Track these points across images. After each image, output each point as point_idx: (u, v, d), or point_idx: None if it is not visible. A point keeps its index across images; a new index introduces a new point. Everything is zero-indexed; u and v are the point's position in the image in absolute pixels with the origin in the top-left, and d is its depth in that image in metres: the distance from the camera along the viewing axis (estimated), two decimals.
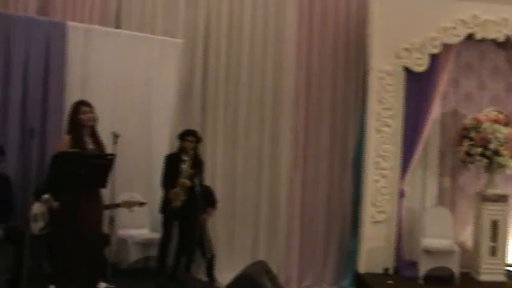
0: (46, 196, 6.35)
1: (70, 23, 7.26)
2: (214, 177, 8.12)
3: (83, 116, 5.50)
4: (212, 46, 8.33)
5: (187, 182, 6.61)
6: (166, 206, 6.79)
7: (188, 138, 6.88)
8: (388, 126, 7.98)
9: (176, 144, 7.20)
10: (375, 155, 7.98)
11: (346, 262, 8.29)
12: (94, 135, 5.59)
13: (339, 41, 8.60)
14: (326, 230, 8.58)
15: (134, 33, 7.75)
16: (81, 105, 5.56)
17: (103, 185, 5.07)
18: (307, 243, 8.53)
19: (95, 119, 5.58)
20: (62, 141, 5.49)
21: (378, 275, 7.79)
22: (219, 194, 7.96)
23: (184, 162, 6.77)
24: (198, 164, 6.87)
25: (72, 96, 6.82)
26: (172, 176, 6.79)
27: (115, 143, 5.12)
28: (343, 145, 8.63)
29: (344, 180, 8.60)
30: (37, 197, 6.37)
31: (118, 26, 7.91)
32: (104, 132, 5.74)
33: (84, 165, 4.84)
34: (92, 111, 5.55)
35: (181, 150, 6.90)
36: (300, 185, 8.52)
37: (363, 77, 8.44)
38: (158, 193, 6.93)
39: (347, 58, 8.61)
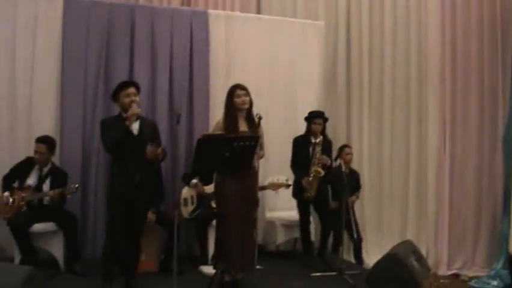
0: (194, 181, 6.57)
1: (212, 11, 7.44)
2: (361, 159, 8.09)
3: (237, 100, 5.53)
4: (354, 27, 8.27)
5: (321, 171, 6.49)
6: (297, 192, 6.71)
7: (316, 120, 6.69)
8: None
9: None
10: None
11: (498, 244, 7.89)
12: (249, 118, 5.61)
13: (484, 18, 8.28)
14: (476, 211, 8.35)
15: (275, 18, 7.80)
16: (236, 89, 5.59)
17: (248, 167, 5.08)
18: (456, 225, 8.36)
19: (250, 102, 5.60)
20: (217, 124, 5.59)
21: None
22: (366, 176, 7.97)
23: (313, 146, 6.64)
24: (327, 145, 6.71)
25: (216, 83, 7.06)
26: (301, 159, 6.70)
27: (258, 125, 5.11)
28: (492, 123, 8.34)
29: (494, 159, 8.30)
30: (186, 181, 6.58)
31: (258, 12, 8.00)
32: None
33: (229, 148, 4.87)
34: (247, 95, 5.58)
35: (309, 132, 6.75)
36: (448, 165, 8.33)
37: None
38: None
39: (492, 35, 8.28)
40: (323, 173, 6.46)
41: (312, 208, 6.84)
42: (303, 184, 6.54)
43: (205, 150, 4.87)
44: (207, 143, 4.92)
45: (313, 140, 6.65)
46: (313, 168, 6.49)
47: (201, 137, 5.02)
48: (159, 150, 5.18)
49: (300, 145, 6.75)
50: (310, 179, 6.51)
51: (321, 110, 7.10)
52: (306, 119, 6.79)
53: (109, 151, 5.31)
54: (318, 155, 6.51)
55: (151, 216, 6.11)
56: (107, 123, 5.33)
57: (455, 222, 8.33)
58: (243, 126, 5.52)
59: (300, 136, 6.85)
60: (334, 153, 6.84)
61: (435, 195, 8.31)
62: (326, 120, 6.77)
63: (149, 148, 5.15)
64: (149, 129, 5.41)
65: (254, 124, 5.55)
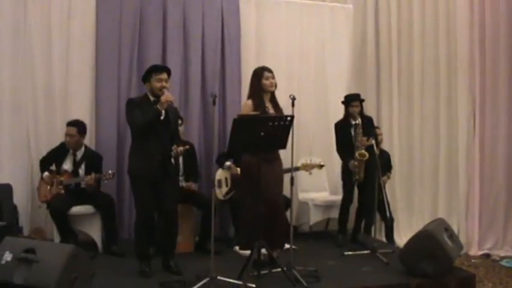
0: (228, 163, 6.68)
1: None
2: (392, 140, 8.12)
3: (266, 81, 5.63)
4: (382, 9, 8.25)
5: (365, 153, 6.55)
6: (347, 175, 6.79)
7: (354, 103, 6.76)
8: None
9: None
10: None
11: None
12: (274, 100, 5.73)
13: None
14: (506, 191, 8.33)
15: (305, 2, 7.85)
16: (264, 71, 5.68)
17: (283, 146, 5.17)
18: (487, 205, 8.35)
19: (276, 85, 5.69)
20: (245, 106, 5.67)
21: None
22: (396, 157, 8.01)
23: (354, 128, 6.70)
24: (369, 122, 6.78)
25: (247, 67, 7.08)
26: (346, 142, 6.77)
27: (292, 105, 5.18)
28: None
29: None
30: (220, 163, 6.69)
31: None
32: (280, 98, 5.85)
33: (264, 127, 4.95)
34: (274, 77, 5.68)
35: (348, 115, 6.83)
36: (478, 145, 8.33)
37: None
38: (336, 156, 7.01)
39: None
40: (367, 155, 6.53)
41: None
42: (351, 168, 6.64)
43: (240, 131, 4.96)
44: (242, 123, 5.00)
45: (353, 122, 6.73)
46: (357, 152, 6.56)
47: (237, 117, 5.10)
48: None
49: (342, 129, 6.85)
50: (356, 162, 6.59)
51: (351, 92, 7.19)
52: (344, 102, 6.87)
53: (136, 131, 5.39)
54: (359, 138, 6.59)
55: (192, 186, 6.36)
56: (134, 103, 5.40)
57: (485, 203, 8.33)
58: (269, 108, 5.63)
59: (340, 120, 6.94)
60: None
61: (465, 176, 8.32)
62: (362, 101, 6.85)
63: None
64: (174, 114, 5.51)
65: (279, 106, 5.71)
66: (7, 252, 4.38)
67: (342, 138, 6.84)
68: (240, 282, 4.86)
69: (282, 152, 5.67)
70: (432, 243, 5.29)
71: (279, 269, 5.14)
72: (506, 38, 8.29)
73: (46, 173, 6.24)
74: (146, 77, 5.42)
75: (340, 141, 6.88)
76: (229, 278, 4.93)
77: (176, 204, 5.59)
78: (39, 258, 4.28)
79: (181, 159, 6.38)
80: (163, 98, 5.20)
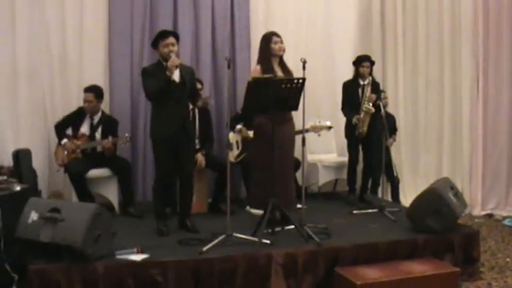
0: (239, 126, 6.84)
1: None
2: (397, 104, 8.24)
3: (275, 46, 5.76)
4: None
5: (372, 108, 6.70)
6: (350, 132, 6.95)
7: (364, 64, 6.89)
8: None
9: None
10: None
11: None
12: (282, 64, 5.87)
13: None
14: (509, 153, 8.48)
15: None
16: (273, 36, 5.81)
17: (296, 107, 5.32)
18: (490, 167, 8.48)
19: (284, 49, 5.83)
20: (254, 72, 5.78)
21: None
22: (402, 120, 8.15)
23: (362, 88, 6.84)
24: (376, 87, 6.89)
25: (256, 33, 7.15)
26: (352, 102, 6.90)
27: (303, 68, 5.31)
28: None
29: None
30: (231, 126, 6.84)
31: None
32: (289, 62, 6.00)
33: (277, 89, 5.10)
34: (282, 42, 5.81)
35: (358, 75, 6.95)
36: (482, 108, 8.41)
37: None
38: (343, 119, 7.13)
39: None
40: (373, 110, 6.68)
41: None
42: (354, 121, 6.77)
43: (254, 92, 5.11)
44: (256, 85, 5.15)
45: (362, 83, 6.87)
46: (364, 106, 6.71)
47: (251, 79, 5.24)
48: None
49: (350, 88, 6.96)
50: (362, 116, 6.74)
51: (357, 54, 7.32)
52: (354, 63, 7.01)
53: (151, 99, 5.53)
54: (368, 94, 6.73)
55: (201, 158, 6.44)
56: (148, 72, 5.50)
57: (488, 165, 8.47)
58: (278, 71, 5.74)
59: (349, 80, 7.05)
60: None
61: (469, 138, 8.43)
62: (373, 63, 6.98)
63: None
64: (189, 76, 5.59)
65: (288, 69, 5.84)
66: (33, 212, 4.54)
67: (348, 97, 6.96)
68: (255, 239, 5.02)
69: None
70: (439, 200, 5.42)
71: (292, 227, 5.33)
72: (509, 3, 8.33)
73: (65, 140, 6.40)
74: (155, 44, 5.52)
75: (347, 99, 7.00)
76: (244, 235, 5.10)
77: (193, 166, 5.79)
78: (64, 217, 4.43)
79: (197, 123, 6.54)
80: (169, 63, 5.30)
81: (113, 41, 7.03)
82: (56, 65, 6.87)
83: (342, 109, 7.05)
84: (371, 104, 6.70)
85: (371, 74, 6.91)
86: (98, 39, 6.99)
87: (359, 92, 6.85)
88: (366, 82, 6.80)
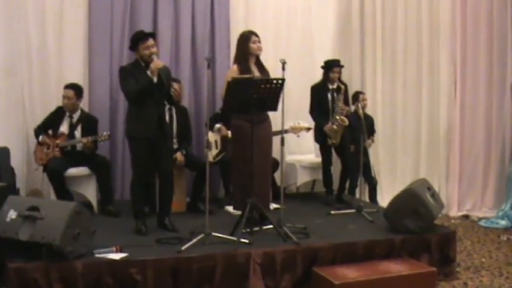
0: (218, 125, 6.85)
1: None
2: (375, 105, 8.26)
3: (253, 45, 5.77)
4: None
5: (346, 120, 6.72)
6: (321, 137, 6.95)
7: (335, 69, 6.90)
8: None
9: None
10: None
11: (506, 186, 8.20)
12: (259, 64, 5.86)
13: None
14: (485, 155, 8.59)
15: None
16: (252, 35, 5.82)
17: (275, 107, 5.34)
18: (466, 168, 8.61)
19: (262, 49, 5.85)
20: (231, 72, 5.76)
21: None
22: (380, 122, 8.19)
23: (331, 92, 6.86)
24: (344, 89, 6.86)
25: (236, 31, 7.09)
26: (322, 106, 6.92)
27: (283, 69, 5.34)
28: (501, 70, 8.51)
29: (502, 106, 8.51)
30: (210, 126, 6.84)
31: None
32: (268, 61, 6.05)
33: (257, 89, 5.12)
34: (260, 41, 5.82)
35: (327, 79, 6.95)
36: (459, 110, 8.52)
37: None
38: None
39: None
40: (347, 122, 6.72)
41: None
42: (327, 132, 6.78)
43: (234, 92, 5.13)
44: (236, 85, 5.17)
45: (331, 87, 6.90)
46: (338, 117, 6.71)
47: (231, 79, 5.25)
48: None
49: (319, 92, 6.96)
50: (335, 127, 6.74)
51: (336, 57, 7.36)
52: (324, 67, 7.00)
53: (131, 100, 5.49)
54: (340, 104, 6.75)
55: (180, 157, 6.44)
56: (126, 71, 5.47)
57: (465, 166, 8.58)
58: (255, 71, 5.73)
59: (317, 83, 7.05)
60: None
61: (446, 140, 8.53)
62: (341, 67, 7.01)
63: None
64: (166, 74, 5.56)
65: (264, 68, 5.84)
66: (12, 210, 4.50)
67: (318, 101, 6.97)
68: (234, 238, 5.03)
69: (270, 115, 5.82)
70: (416, 200, 5.47)
71: (270, 227, 5.36)
72: (487, 7, 8.45)
73: (42, 136, 6.38)
74: (134, 46, 5.49)
75: (316, 104, 7.00)
76: (222, 234, 5.10)
77: (172, 164, 5.78)
78: (43, 215, 4.40)
79: (174, 122, 6.55)
80: (152, 66, 5.30)
81: (93, 40, 7.02)
82: (35, 63, 6.84)
83: (311, 113, 7.06)
84: (344, 116, 6.73)
85: (339, 78, 6.94)
86: (78, 37, 6.99)
87: (328, 97, 6.88)
88: (334, 86, 6.84)
